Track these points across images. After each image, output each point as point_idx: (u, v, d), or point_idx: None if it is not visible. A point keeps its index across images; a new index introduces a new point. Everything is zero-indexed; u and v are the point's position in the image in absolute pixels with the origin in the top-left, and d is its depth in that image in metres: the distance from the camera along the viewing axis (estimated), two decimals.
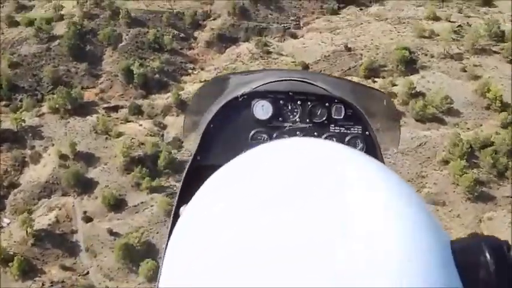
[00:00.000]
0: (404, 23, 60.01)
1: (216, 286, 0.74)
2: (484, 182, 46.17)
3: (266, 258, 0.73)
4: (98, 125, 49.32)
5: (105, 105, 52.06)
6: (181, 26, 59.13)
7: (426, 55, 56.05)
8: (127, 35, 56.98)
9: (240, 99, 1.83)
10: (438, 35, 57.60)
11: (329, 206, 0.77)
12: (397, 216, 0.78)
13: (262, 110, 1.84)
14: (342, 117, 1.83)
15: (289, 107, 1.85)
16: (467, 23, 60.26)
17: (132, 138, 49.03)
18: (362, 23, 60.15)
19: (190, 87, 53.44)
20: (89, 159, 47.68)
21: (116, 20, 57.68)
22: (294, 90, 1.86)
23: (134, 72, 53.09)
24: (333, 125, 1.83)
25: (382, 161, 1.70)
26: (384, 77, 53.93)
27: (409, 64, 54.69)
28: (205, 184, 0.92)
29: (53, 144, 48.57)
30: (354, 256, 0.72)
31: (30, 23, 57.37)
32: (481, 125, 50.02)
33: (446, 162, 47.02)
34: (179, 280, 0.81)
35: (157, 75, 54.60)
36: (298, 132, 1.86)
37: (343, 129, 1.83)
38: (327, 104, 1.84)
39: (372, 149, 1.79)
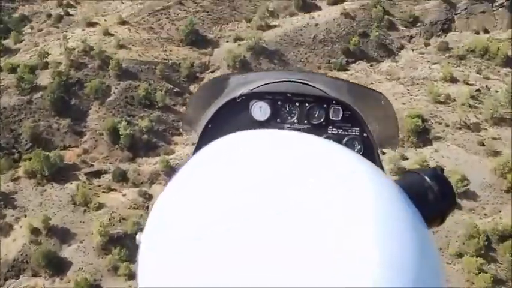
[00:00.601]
0: (418, 83, 55.26)
1: (197, 286, 0.71)
2: (503, 280, 41.28)
3: (248, 256, 0.70)
4: (76, 195, 44.68)
5: (87, 170, 47.46)
6: (176, 79, 54.58)
7: (441, 124, 51.25)
8: (116, 88, 52.45)
9: (238, 100, 1.80)
10: (454, 100, 52.84)
11: (315, 203, 0.77)
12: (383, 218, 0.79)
13: (260, 111, 1.81)
14: (339, 118, 1.81)
15: (287, 108, 1.83)
16: (487, 86, 55.42)
17: (113, 211, 44.39)
18: (372, 83, 55.24)
19: (181, 150, 48.89)
20: (64, 235, 43.06)
21: (105, 70, 53.19)
22: (292, 91, 1.83)
23: (120, 133, 48.54)
24: (330, 127, 1.82)
25: (379, 162, 1.71)
26: None
27: (422, 134, 49.91)
28: (178, 174, 0.90)
29: (25, 216, 44.02)
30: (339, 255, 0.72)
31: (14, 69, 53.01)
32: (500, 211, 45.11)
33: (460, 255, 42.14)
34: (157, 280, 0.77)
35: (145, 136, 50.00)
36: None
37: (341, 130, 1.80)
38: (324, 106, 1.82)
39: (370, 151, 1.77)
